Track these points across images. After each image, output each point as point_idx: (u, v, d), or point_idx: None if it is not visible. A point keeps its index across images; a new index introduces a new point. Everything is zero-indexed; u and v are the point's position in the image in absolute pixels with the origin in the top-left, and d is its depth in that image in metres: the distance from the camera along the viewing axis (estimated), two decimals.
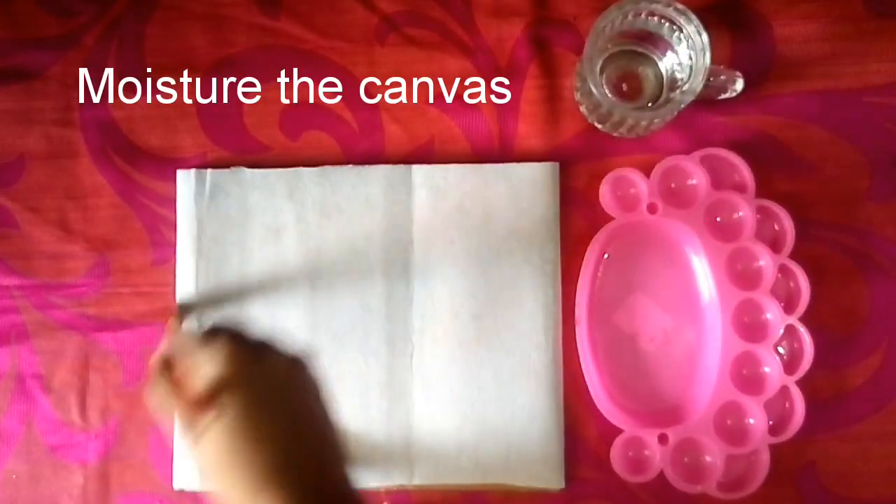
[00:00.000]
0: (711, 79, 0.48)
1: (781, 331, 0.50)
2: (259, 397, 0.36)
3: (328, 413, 0.39)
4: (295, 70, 0.55)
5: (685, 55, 0.49)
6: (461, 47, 0.55)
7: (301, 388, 0.39)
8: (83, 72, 0.56)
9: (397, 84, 0.55)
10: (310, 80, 0.55)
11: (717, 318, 0.51)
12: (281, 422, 0.36)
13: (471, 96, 0.54)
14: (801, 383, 0.50)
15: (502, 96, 0.54)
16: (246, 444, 0.35)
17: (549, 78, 0.54)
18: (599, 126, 0.53)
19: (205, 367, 0.37)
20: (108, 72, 0.55)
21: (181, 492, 0.52)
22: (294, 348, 0.40)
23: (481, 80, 0.54)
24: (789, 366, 0.50)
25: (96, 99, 0.55)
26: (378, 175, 0.53)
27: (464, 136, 0.54)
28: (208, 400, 0.36)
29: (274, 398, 0.37)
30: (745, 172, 0.52)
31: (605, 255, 0.52)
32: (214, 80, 0.55)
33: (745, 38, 0.54)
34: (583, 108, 0.53)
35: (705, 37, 0.47)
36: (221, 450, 0.35)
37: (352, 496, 0.36)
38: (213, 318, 0.52)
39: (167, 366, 0.40)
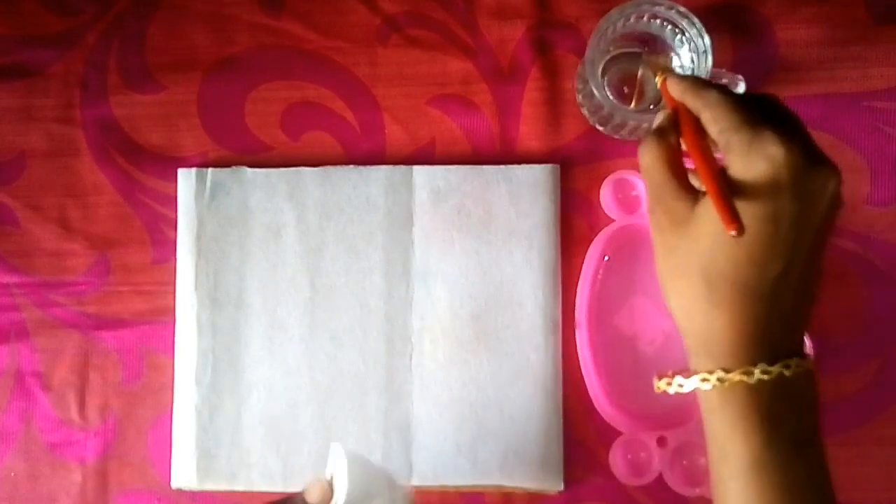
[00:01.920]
0: (713, 82, 0.48)
1: None
2: (794, 211, 0.31)
3: (829, 243, 0.35)
4: (297, 70, 0.55)
5: (687, 58, 0.50)
6: (463, 49, 0.55)
7: (833, 216, 0.34)
8: (84, 70, 0.56)
9: (399, 85, 0.55)
10: (311, 81, 0.55)
11: None
12: (801, 245, 0.32)
13: (472, 98, 0.54)
14: None
15: (504, 98, 0.54)
16: (755, 257, 0.32)
17: (550, 80, 0.54)
18: (601, 128, 0.53)
19: (748, 150, 0.32)
20: (110, 70, 0.56)
21: (179, 490, 0.52)
22: (836, 167, 0.34)
23: (483, 82, 0.54)
24: None
25: (97, 97, 0.55)
26: (379, 175, 0.53)
27: (465, 138, 0.54)
28: (730, 219, 0.30)
29: (806, 218, 0.32)
30: None
31: (606, 258, 0.52)
32: (216, 79, 0.55)
33: (747, 42, 0.54)
34: (584, 111, 0.53)
35: (707, 40, 0.47)
36: (726, 254, 0.32)
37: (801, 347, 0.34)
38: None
39: (670, 130, 0.35)
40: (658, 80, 0.41)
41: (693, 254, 0.34)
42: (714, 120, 0.34)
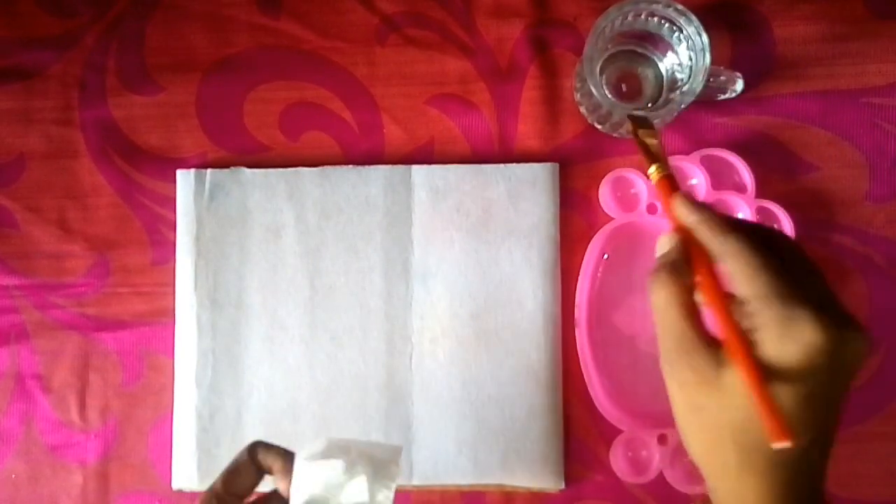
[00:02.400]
0: (711, 79, 0.48)
1: None
2: (828, 388, 0.30)
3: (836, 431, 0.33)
4: (295, 70, 0.55)
5: (685, 56, 0.49)
6: (461, 48, 0.55)
7: (850, 381, 0.32)
8: (83, 71, 0.56)
9: (397, 84, 0.55)
10: (310, 81, 0.55)
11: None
12: (833, 416, 0.31)
13: (471, 97, 0.54)
14: None
15: (502, 97, 0.54)
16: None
17: (548, 78, 0.54)
18: (599, 126, 0.53)
19: (781, 329, 0.30)
20: (109, 71, 0.56)
21: (180, 492, 0.52)
22: (866, 330, 0.31)
23: (481, 81, 0.54)
24: None
25: (96, 99, 0.55)
26: (378, 175, 0.53)
27: (463, 137, 0.54)
28: (780, 427, 0.29)
29: (836, 389, 0.31)
30: (744, 173, 0.52)
31: (605, 256, 0.52)
32: (214, 79, 0.55)
33: (746, 39, 0.54)
34: (583, 109, 0.53)
35: (705, 37, 0.47)
36: (756, 428, 0.30)
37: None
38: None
39: (684, 267, 0.33)
40: (653, 173, 0.37)
41: (724, 419, 0.31)
42: (741, 278, 0.31)
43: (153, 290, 0.54)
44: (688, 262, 0.33)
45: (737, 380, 0.30)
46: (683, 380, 0.33)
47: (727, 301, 0.32)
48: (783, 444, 0.29)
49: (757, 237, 0.32)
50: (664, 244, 0.35)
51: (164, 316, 0.54)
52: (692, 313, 0.33)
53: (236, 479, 0.39)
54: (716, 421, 0.32)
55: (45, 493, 0.54)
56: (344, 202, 0.53)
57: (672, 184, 0.36)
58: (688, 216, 0.34)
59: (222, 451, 0.52)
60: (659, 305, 0.33)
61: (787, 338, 0.30)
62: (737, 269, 0.31)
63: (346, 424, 0.52)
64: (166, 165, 0.55)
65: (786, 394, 0.30)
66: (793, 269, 0.32)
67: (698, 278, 0.33)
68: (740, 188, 0.52)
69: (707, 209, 0.34)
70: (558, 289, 0.52)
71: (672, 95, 0.50)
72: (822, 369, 0.30)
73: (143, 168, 0.55)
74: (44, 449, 0.54)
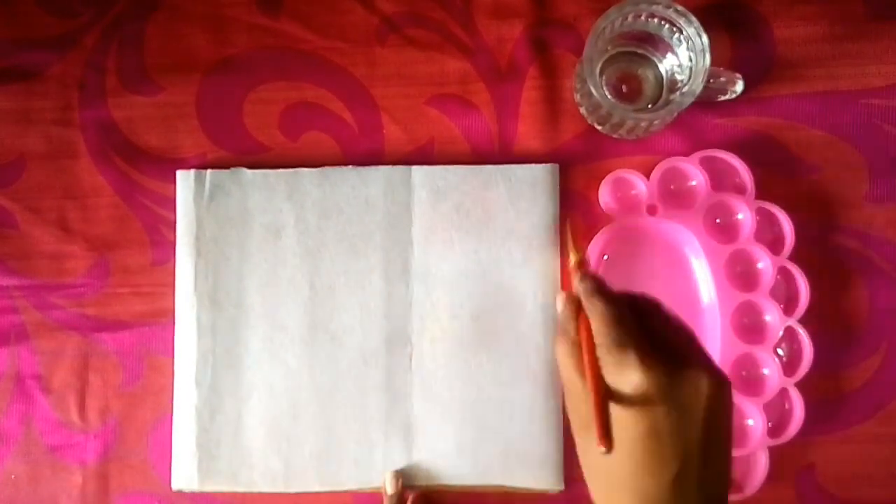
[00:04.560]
0: (711, 80, 0.48)
1: (781, 333, 0.50)
2: (671, 421, 0.34)
3: (730, 443, 0.36)
4: (295, 71, 0.55)
5: (685, 57, 0.49)
6: (461, 48, 0.55)
7: (718, 415, 0.35)
8: (83, 72, 0.56)
9: (397, 85, 0.55)
10: (310, 81, 0.55)
11: (717, 319, 0.51)
12: (689, 449, 0.34)
13: (471, 97, 0.54)
14: (801, 385, 0.50)
15: (502, 97, 0.54)
16: (646, 465, 0.34)
17: (548, 79, 0.54)
18: (599, 127, 0.53)
19: (618, 371, 0.35)
20: (108, 72, 0.56)
21: (179, 492, 0.52)
22: (714, 365, 0.36)
23: (481, 81, 0.54)
24: (788, 368, 0.50)
25: (96, 99, 0.55)
26: (378, 176, 0.53)
27: (463, 137, 0.54)
28: (600, 435, 0.34)
29: (686, 425, 0.34)
30: (744, 174, 0.52)
31: (605, 257, 0.52)
32: (214, 80, 0.55)
33: (745, 40, 0.54)
34: (582, 110, 0.53)
35: (705, 38, 0.47)
36: (621, 463, 0.34)
37: None
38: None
39: (570, 325, 0.38)
40: (571, 261, 0.44)
41: (597, 460, 0.35)
42: (596, 333, 0.37)
43: (153, 290, 0.54)
44: (575, 320, 0.39)
45: (619, 427, 0.34)
46: (575, 425, 0.37)
47: (592, 347, 0.37)
48: (601, 449, 0.34)
49: (621, 300, 0.39)
50: (558, 303, 0.41)
51: (164, 316, 0.54)
52: (581, 367, 0.37)
53: None
54: (594, 463, 0.36)
55: (45, 493, 0.54)
56: (344, 202, 0.53)
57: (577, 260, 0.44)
58: (576, 283, 0.41)
59: (222, 451, 0.52)
60: (559, 361, 0.38)
61: (620, 376, 0.35)
62: (597, 327, 0.37)
63: (346, 424, 0.52)
64: (166, 166, 0.55)
65: (632, 425, 0.34)
66: (651, 324, 0.38)
67: (580, 328, 0.38)
68: (740, 189, 0.52)
69: (590, 278, 0.41)
70: (558, 290, 0.52)
71: (672, 96, 0.50)
72: (658, 403, 0.34)
73: (142, 168, 0.55)
74: (44, 449, 0.54)
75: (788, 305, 0.51)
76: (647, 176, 0.52)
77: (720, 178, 0.52)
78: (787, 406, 0.51)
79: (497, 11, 0.55)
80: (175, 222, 0.54)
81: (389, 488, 0.50)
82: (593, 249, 0.52)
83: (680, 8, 0.47)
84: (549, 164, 0.53)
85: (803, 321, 0.50)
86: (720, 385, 0.35)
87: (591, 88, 0.48)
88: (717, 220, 0.52)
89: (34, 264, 0.55)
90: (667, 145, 0.53)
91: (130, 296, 0.55)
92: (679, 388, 0.35)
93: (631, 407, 0.34)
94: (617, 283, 0.52)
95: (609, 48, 0.52)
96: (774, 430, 0.50)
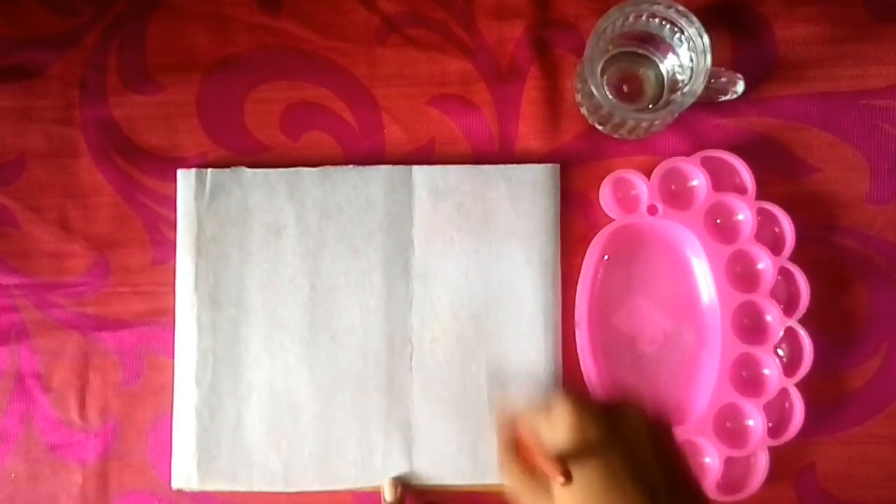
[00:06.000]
0: (712, 81, 0.48)
1: (781, 333, 0.50)
2: (609, 468, 0.35)
3: (691, 476, 0.37)
4: (296, 70, 0.55)
5: (686, 57, 0.50)
6: (462, 48, 0.55)
7: (662, 452, 0.36)
8: (84, 71, 0.56)
9: (398, 85, 0.55)
10: (310, 81, 0.55)
11: (717, 320, 0.51)
12: (656, 480, 0.35)
13: (472, 97, 0.54)
14: (801, 385, 0.50)
15: (503, 97, 0.54)
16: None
17: (549, 79, 0.54)
18: (600, 127, 0.53)
19: (549, 439, 0.36)
20: (109, 71, 0.55)
21: (179, 491, 0.52)
22: (652, 409, 0.38)
23: (482, 81, 0.54)
24: (789, 368, 0.50)
25: (97, 98, 0.55)
26: (378, 175, 0.53)
27: (464, 137, 0.54)
28: (558, 472, 0.35)
29: (642, 455, 0.35)
30: (745, 174, 0.52)
31: (605, 257, 0.53)
32: (215, 79, 0.55)
33: (746, 41, 0.54)
34: (583, 110, 0.53)
35: (706, 39, 0.47)
36: None
37: None
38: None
39: (514, 447, 0.40)
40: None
41: None
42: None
43: (153, 289, 0.54)
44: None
45: (560, 493, 0.36)
46: None
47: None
48: (561, 480, 0.35)
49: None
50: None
51: (164, 315, 0.54)
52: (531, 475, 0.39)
53: None
54: None
55: (45, 492, 0.54)
56: (344, 202, 0.53)
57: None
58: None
59: (222, 450, 0.52)
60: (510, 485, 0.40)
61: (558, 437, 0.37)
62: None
63: (346, 424, 0.52)
64: (167, 165, 0.55)
65: (589, 472, 0.35)
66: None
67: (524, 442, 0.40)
68: (741, 189, 0.52)
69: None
70: (558, 290, 0.52)
71: (673, 96, 0.50)
72: (597, 447, 0.36)
73: (143, 167, 0.55)
74: (43, 448, 0.54)
75: (789, 306, 0.51)
76: (648, 176, 0.52)
77: (721, 179, 0.52)
78: (787, 406, 0.51)
79: (498, 11, 0.55)
80: (175, 221, 0.54)
81: (388, 496, 0.50)
82: (594, 250, 0.52)
83: (681, 8, 0.47)
84: (549, 165, 0.53)
85: (803, 321, 0.50)
86: (656, 426, 0.37)
87: (592, 88, 0.48)
88: (718, 221, 0.52)
89: (34, 263, 0.55)
90: (667, 145, 0.53)
91: (131, 295, 0.55)
92: (612, 436, 0.36)
93: (580, 458, 0.35)
94: (617, 283, 0.53)
95: (610, 48, 0.52)
96: (774, 430, 0.50)
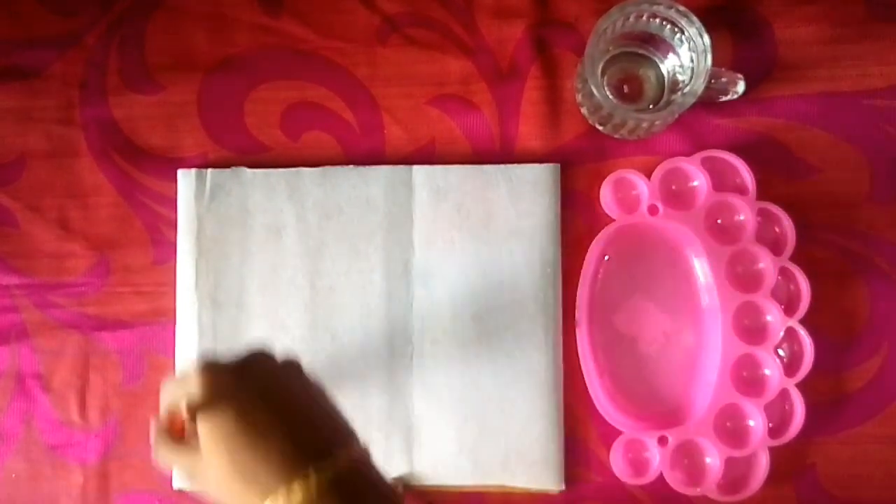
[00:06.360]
0: (713, 81, 0.48)
1: (782, 333, 0.50)
2: (241, 407, 0.36)
3: (330, 403, 0.39)
4: (296, 70, 0.55)
5: (687, 57, 0.49)
6: (462, 48, 0.55)
7: (295, 385, 0.39)
8: (84, 71, 0.56)
9: (398, 85, 0.55)
10: (311, 81, 0.55)
11: (718, 320, 0.51)
12: (278, 420, 0.36)
13: (472, 97, 0.54)
14: (801, 386, 0.50)
15: (503, 97, 0.54)
16: (239, 454, 0.35)
17: (550, 79, 0.54)
18: (600, 127, 0.53)
19: (188, 401, 0.38)
20: (110, 71, 0.55)
21: (180, 491, 0.52)
22: (283, 353, 0.40)
23: (482, 81, 0.54)
24: (789, 368, 0.50)
25: (97, 98, 0.55)
26: (379, 175, 0.53)
27: (465, 137, 0.54)
28: (194, 430, 0.37)
29: (265, 400, 0.37)
30: (745, 175, 0.52)
31: (606, 257, 0.52)
32: (215, 79, 0.55)
33: (747, 41, 0.54)
34: (584, 110, 0.53)
35: (707, 39, 0.47)
36: (215, 467, 0.36)
37: (370, 476, 0.37)
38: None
39: (168, 424, 0.41)
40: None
41: (201, 473, 0.37)
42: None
43: (154, 289, 0.54)
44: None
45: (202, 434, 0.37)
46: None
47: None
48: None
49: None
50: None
51: (165, 316, 0.54)
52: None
53: None
54: (208, 474, 0.37)
55: (45, 492, 0.54)
56: (345, 202, 0.53)
57: None
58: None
59: None
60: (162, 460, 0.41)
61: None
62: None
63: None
64: (167, 165, 0.55)
65: (205, 427, 0.36)
66: None
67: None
68: (741, 190, 0.52)
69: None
70: (559, 290, 0.52)
71: (673, 97, 0.50)
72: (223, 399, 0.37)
73: (143, 167, 0.55)
74: (44, 448, 0.54)
75: (789, 306, 0.51)
76: (649, 176, 0.52)
77: (721, 179, 0.52)
78: (787, 407, 0.51)
79: (498, 11, 0.55)
80: (176, 221, 0.54)
81: None
82: (594, 250, 0.52)
83: (682, 8, 0.47)
84: (550, 165, 0.53)
85: (804, 322, 0.50)
86: (284, 365, 0.39)
87: (593, 89, 0.48)
88: (719, 221, 0.52)
89: (35, 263, 0.55)
90: (668, 146, 0.53)
91: (131, 295, 0.55)
92: (240, 381, 0.37)
93: (211, 405, 0.36)
94: (617, 283, 0.53)
95: (611, 48, 0.52)
96: (775, 430, 0.50)
